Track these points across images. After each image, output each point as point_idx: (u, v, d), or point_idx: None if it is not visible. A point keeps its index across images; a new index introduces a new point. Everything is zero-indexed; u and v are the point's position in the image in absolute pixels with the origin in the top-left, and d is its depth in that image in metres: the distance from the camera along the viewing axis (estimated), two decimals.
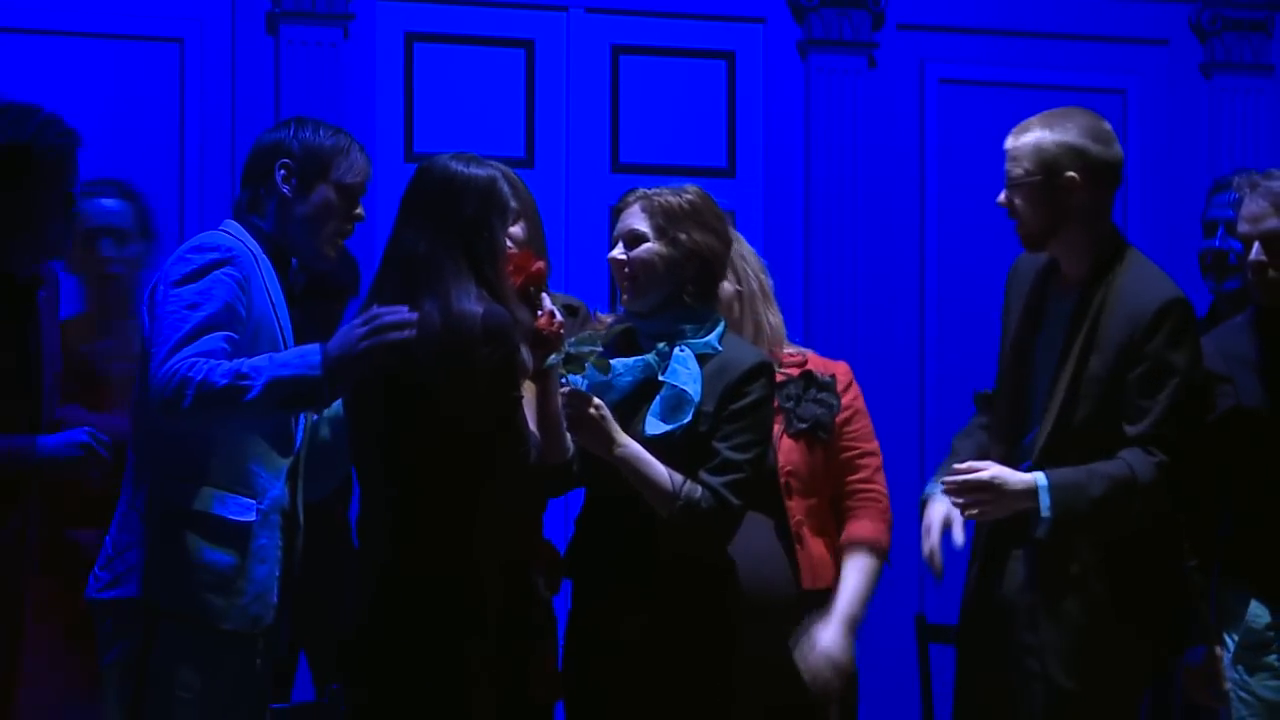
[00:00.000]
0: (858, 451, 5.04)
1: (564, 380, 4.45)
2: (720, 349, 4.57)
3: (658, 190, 4.61)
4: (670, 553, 4.49)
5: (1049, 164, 4.68)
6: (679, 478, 4.45)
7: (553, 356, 4.38)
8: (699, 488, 4.46)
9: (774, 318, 5.03)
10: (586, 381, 4.51)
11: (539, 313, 4.36)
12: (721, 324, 4.63)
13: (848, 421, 5.03)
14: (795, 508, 4.92)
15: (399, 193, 4.35)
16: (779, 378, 4.89)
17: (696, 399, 4.50)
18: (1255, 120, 7.54)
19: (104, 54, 6.80)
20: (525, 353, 4.29)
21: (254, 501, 4.35)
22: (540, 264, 4.43)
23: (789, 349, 5.05)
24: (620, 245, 4.59)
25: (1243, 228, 4.87)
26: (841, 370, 5.09)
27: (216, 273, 4.30)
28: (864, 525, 5.00)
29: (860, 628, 4.95)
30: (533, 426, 4.34)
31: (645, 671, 4.49)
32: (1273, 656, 4.83)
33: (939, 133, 7.40)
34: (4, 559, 4.60)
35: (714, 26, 7.29)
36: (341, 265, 5.31)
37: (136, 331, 4.42)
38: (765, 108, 7.30)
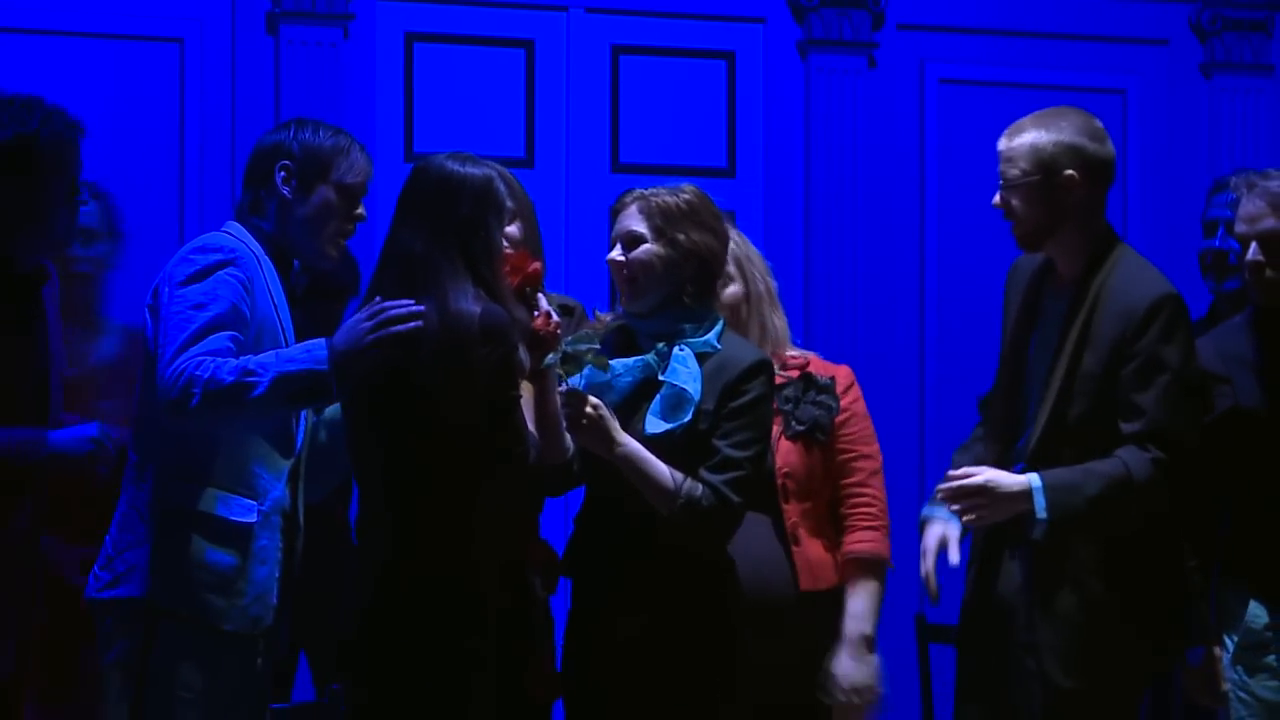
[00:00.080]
0: (854, 454, 5.03)
1: (562, 380, 4.45)
2: (719, 347, 4.57)
3: (654, 191, 4.61)
4: (670, 552, 4.49)
5: (1047, 163, 4.69)
6: (680, 476, 4.46)
7: (550, 356, 4.39)
8: (700, 486, 4.46)
9: (779, 320, 5.04)
10: (585, 381, 4.51)
11: (535, 313, 4.36)
12: (720, 322, 4.63)
13: (845, 424, 5.03)
14: (792, 510, 4.92)
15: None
16: (780, 380, 4.90)
17: (696, 397, 4.50)
18: (1255, 120, 7.54)
19: (104, 54, 6.80)
20: (523, 352, 4.30)
21: (255, 503, 4.35)
22: (537, 264, 4.44)
23: (792, 352, 5.05)
24: (618, 247, 4.59)
25: (1240, 228, 4.87)
26: (842, 373, 5.09)
27: (221, 273, 4.31)
28: (860, 537, 5.00)
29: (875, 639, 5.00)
30: (531, 427, 4.35)
31: (644, 671, 4.49)
32: (1271, 657, 4.83)
33: (939, 133, 7.40)
34: (14, 555, 4.60)
35: (714, 26, 7.30)
36: (342, 265, 5.31)
37: (116, 332, 4.42)
38: (765, 108, 7.31)
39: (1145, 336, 4.63)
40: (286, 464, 4.41)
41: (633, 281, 4.57)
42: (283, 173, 4.45)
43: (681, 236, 4.55)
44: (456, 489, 4.23)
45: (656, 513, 4.46)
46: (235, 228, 4.46)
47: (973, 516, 4.65)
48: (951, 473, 4.70)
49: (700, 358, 4.54)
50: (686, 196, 4.59)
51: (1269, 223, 4.82)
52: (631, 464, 4.46)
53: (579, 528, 4.67)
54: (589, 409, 4.44)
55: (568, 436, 4.46)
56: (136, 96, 6.82)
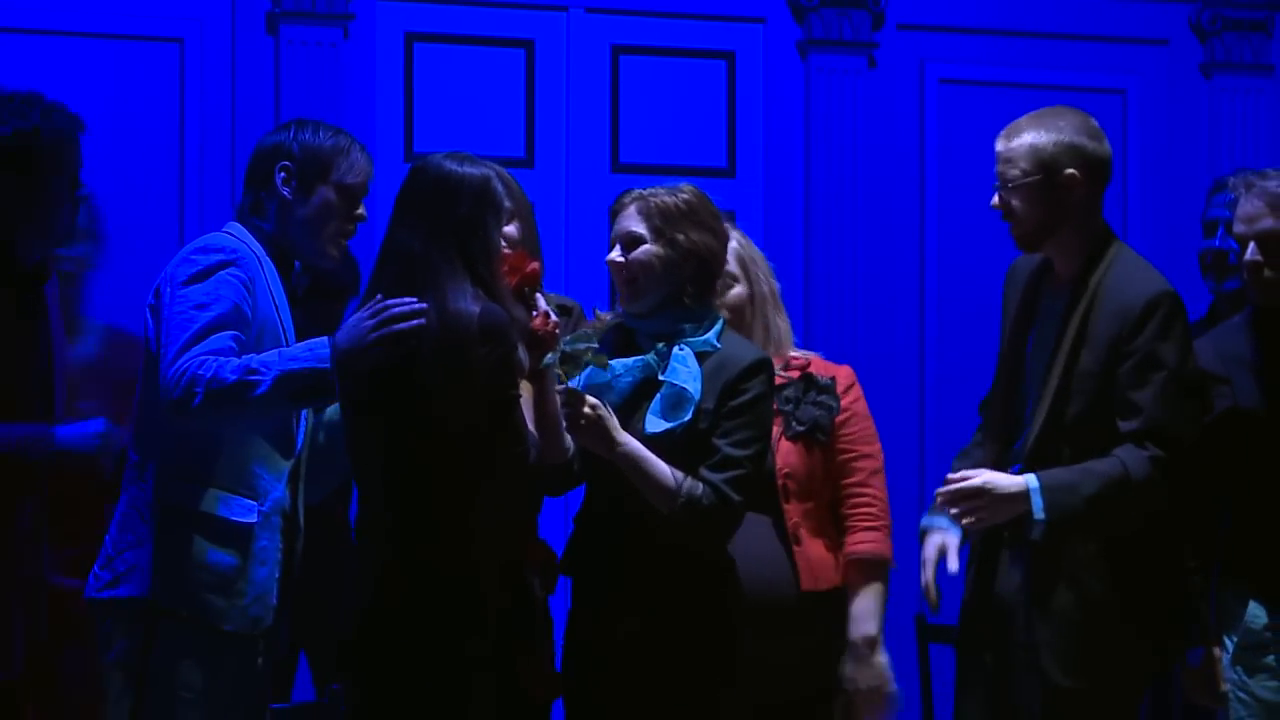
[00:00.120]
0: (854, 454, 5.03)
1: (560, 380, 4.45)
2: (719, 346, 4.57)
3: (652, 191, 4.60)
4: (670, 552, 4.49)
5: (1048, 163, 4.69)
6: (680, 475, 4.46)
7: (548, 356, 4.39)
8: (700, 484, 4.46)
9: (782, 321, 5.04)
10: (585, 381, 4.51)
11: (534, 314, 4.36)
12: (720, 322, 4.63)
13: (845, 424, 5.02)
14: (793, 510, 4.92)
15: None
16: (781, 380, 4.90)
17: (697, 396, 4.50)
18: (1255, 120, 7.54)
19: (104, 54, 6.80)
20: (521, 352, 4.30)
21: (256, 503, 4.35)
22: (535, 265, 4.44)
23: (794, 353, 5.06)
24: (618, 248, 4.59)
25: (1238, 228, 4.87)
26: (843, 373, 5.09)
27: (223, 274, 4.32)
28: (862, 538, 5.00)
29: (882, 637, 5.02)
30: (531, 427, 4.35)
31: (644, 671, 4.49)
32: (1271, 657, 4.83)
33: (939, 133, 7.41)
34: (18, 554, 4.59)
35: (714, 26, 7.30)
36: (342, 265, 5.31)
37: (95, 332, 4.42)
38: (765, 108, 7.31)
39: (1142, 334, 4.63)
40: (287, 465, 4.41)
41: (633, 282, 4.57)
42: (283, 174, 4.45)
43: (681, 237, 4.55)
44: (456, 489, 4.23)
45: (656, 513, 4.46)
46: (236, 228, 4.47)
47: (972, 519, 4.65)
48: (950, 476, 4.71)
49: (700, 357, 4.55)
50: (685, 196, 4.59)
51: (1267, 223, 4.82)
52: (632, 463, 4.46)
53: (579, 528, 4.68)
54: (587, 409, 4.44)
55: (568, 436, 4.46)
56: (136, 96, 6.82)
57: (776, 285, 5.06)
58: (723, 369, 4.53)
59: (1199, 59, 7.56)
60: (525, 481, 4.41)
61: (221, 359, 4.19)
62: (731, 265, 4.93)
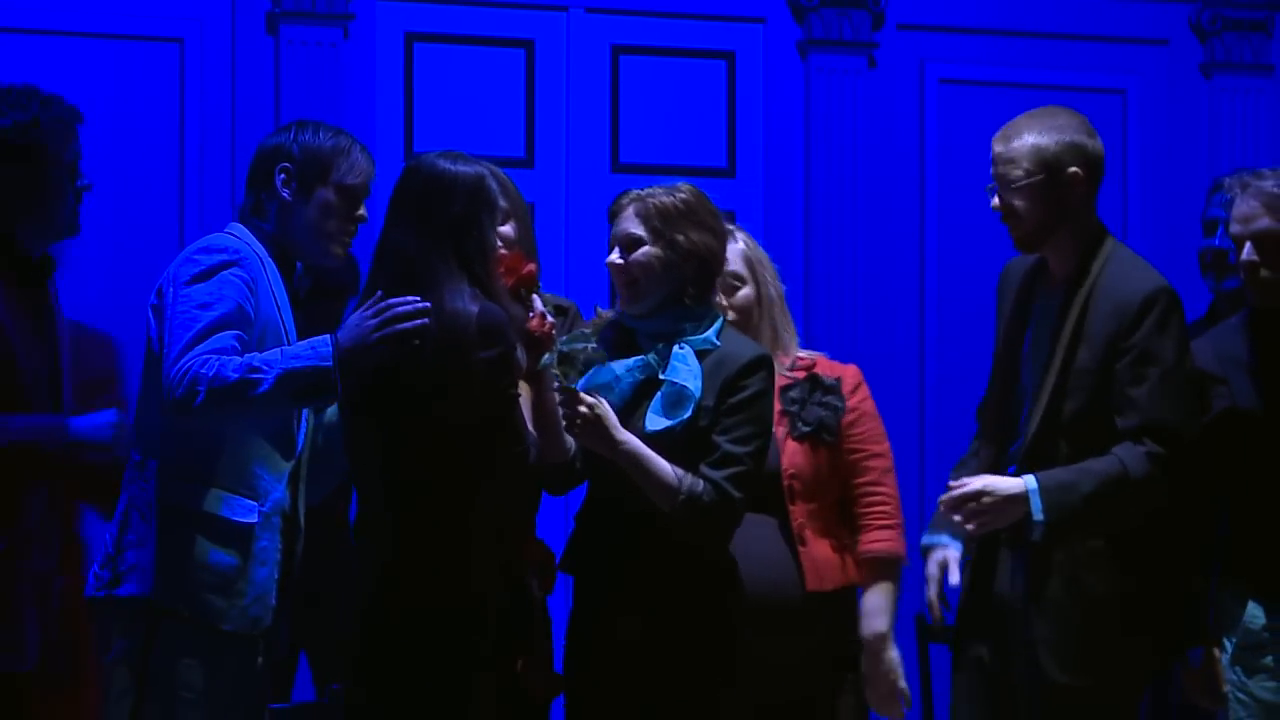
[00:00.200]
0: (865, 454, 5.04)
1: (558, 380, 4.45)
2: (719, 344, 4.57)
3: (650, 191, 4.60)
4: (671, 552, 4.49)
5: (1050, 162, 4.69)
6: (681, 472, 4.46)
7: (546, 357, 4.39)
8: (701, 482, 4.46)
9: (788, 322, 5.05)
10: (587, 383, 4.51)
11: (530, 314, 4.37)
12: (720, 319, 4.63)
13: (854, 423, 5.03)
14: (798, 511, 4.92)
15: None
16: (786, 381, 4.91)
17: (697, 394, 4.50)
18: (1255, 120, 7.53)
19: (104, 54, 6.80)
20: (519, 353, 4.30)
21: (256, 504, 4.36)
22: (531, 266, 4.44)
23: (800, 354, 5.06)
24: (617, 250, 4.59)
25: (1234, 229, 4.87)
26: (850, 373, 5.09)
27: (225, 274, 4.32)
28: (876, 536, 5.01)
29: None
30: (530, 427, 4.35)
31: (644, 671, 4.49)
32: (1270, 658, 4.83)
33: (939, 133, 7.40)
34: (34, 545, 4.59)
35: (714, 26, 7.29)
36: (343, 264, 5.32)
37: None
38: (765, 108, 7.30)
39: (1139, 330, 4.63)
40: (287, 465, 4.42)
41: (633, 285, 4.57)
42: (283, 175, 4.45)
43: (680, 237, 4.55)
44: (456, 489, 4.23)
45: (657, 512, 4.47)
46: (239, 229, 4.47)
47: (974, 525, 4.66)
48: (950, 483, 4.71)
49: (700, 354, 4.55)
50: (683, 196, 4.59)
51: (1263, 223, 4.82)
52: (633, 461, 4.46)
53: (579, 527, 4.68)
54: (584, 409, 4.44)
55: (568, 436, 4.46)
56: (136, 96, 6.82)
57: (783, 287, 5.07)
58: (722, 366, 4.53)
59: (1199, 59, 7.55)
60: (525, 481, 4.42)
61: (224, 358, 4.20)
62: (739, 267, 4.94)
